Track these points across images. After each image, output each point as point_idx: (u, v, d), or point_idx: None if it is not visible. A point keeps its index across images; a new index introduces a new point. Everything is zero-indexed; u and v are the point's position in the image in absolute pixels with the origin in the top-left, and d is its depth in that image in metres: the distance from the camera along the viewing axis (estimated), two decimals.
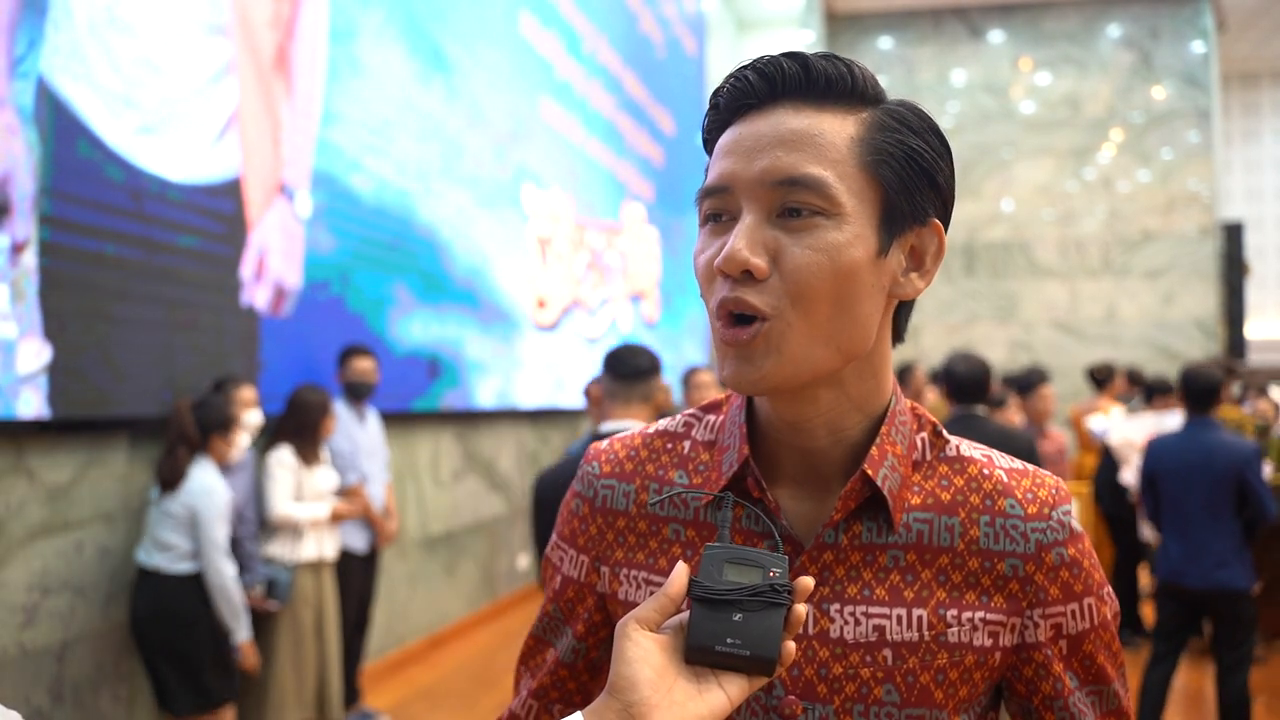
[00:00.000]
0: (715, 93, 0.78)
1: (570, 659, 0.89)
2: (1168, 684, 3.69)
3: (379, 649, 4.89)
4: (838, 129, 0.74)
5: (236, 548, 3.55)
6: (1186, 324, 12.18)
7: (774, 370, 0.72)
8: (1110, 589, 0.83)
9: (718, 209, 0.76)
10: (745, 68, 0.76)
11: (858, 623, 0.77)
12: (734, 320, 0.73)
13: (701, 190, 0.78)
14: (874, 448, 0.78)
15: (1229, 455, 3.54)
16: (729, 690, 0.66)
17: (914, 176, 0.75)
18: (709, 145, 0.81)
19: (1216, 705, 3.60)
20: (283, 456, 3.75)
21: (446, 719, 4.45)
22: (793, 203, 0.72)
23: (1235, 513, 3.55)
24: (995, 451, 0.85)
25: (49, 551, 3.04)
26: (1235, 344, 12.22)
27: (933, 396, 6.35)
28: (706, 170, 0.82)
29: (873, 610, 0.77)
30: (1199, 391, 3.66)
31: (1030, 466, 0.84)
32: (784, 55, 0.75)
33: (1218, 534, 3.53)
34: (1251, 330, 14.39)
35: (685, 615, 0.69)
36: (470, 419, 5.93)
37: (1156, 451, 3.78)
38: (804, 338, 0.72)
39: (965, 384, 3.50)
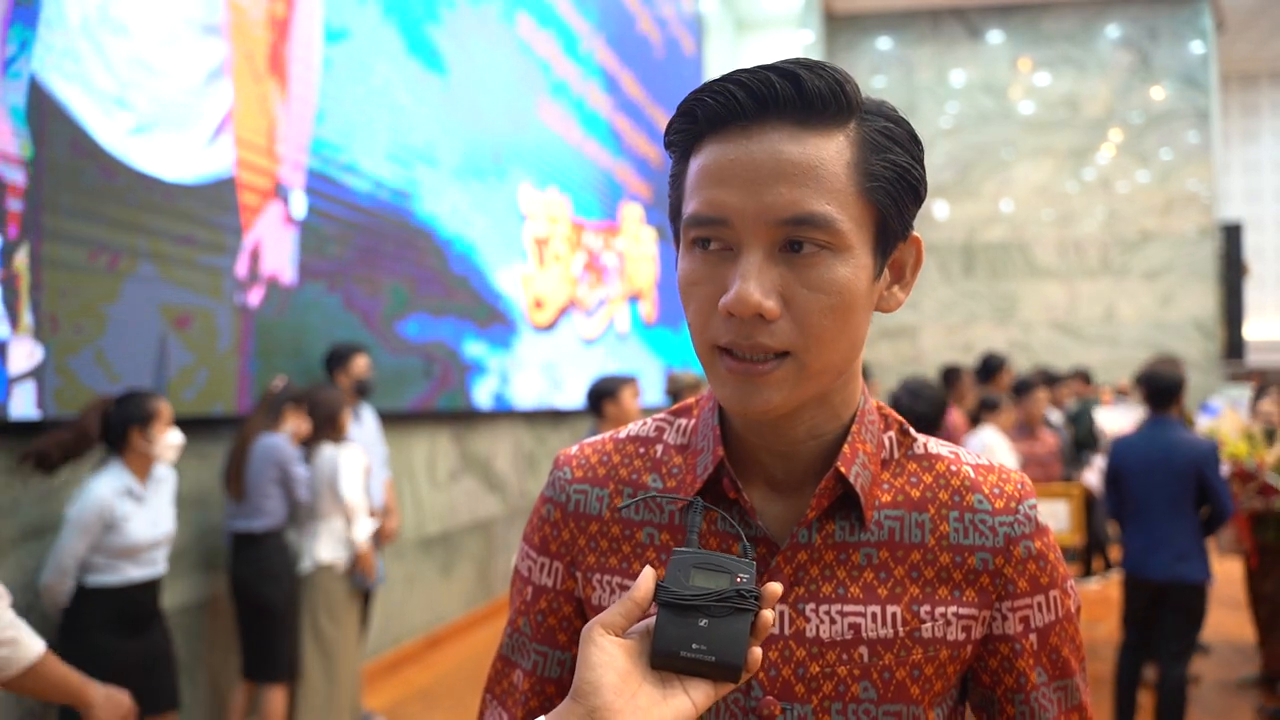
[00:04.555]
0: (690, 102, 0.73)
1: (556, 673, 0.86)
2: (1139, 668, 3.89)
3: (375, 649, 4.89)
4: (834, 155, 0.71)
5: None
6: (1185, 324, 12.19)
7: (784, 401, 0.73)
8: (1073, 582, 0.84)
9: (711, 237, 0.73)
10: (729, 81, 0.71)
11: (833, 621, 0.77)
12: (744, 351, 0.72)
13: (691, 217, 0.74)
14: (846, 446, 0.79)
15: (1189, 452, 3.66)
16: (694, 697, 0.65)
17: (903, 195, 0.74)
18: (674, 149, 0.78)
19: (1156, 690, 3.76)
20: (355, 451, 3.85)
21: (442, 719, 4.45)
22: (797, 238, 0.70)
23: (1195, 508, 3.68)
24: (961, 448, 0.86)
25: (42, 552, 3.03)
26: (1234, 344, 12.22)
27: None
28: (674, 180, 0.79)
29: (848, 608, 0.78)
30: (1159, 391, 3.78)
31: (995, 462, 0.85)
32: (771, 70, 0.71)
33: (1179, 529, 3.66)
34: (1250, 330, 14.40)
35: (651, 620, 0.68)
36: (467, 419, 5.92)
37: (1121, 450, 3.87)
38: (816, 370, 0.73)
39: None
